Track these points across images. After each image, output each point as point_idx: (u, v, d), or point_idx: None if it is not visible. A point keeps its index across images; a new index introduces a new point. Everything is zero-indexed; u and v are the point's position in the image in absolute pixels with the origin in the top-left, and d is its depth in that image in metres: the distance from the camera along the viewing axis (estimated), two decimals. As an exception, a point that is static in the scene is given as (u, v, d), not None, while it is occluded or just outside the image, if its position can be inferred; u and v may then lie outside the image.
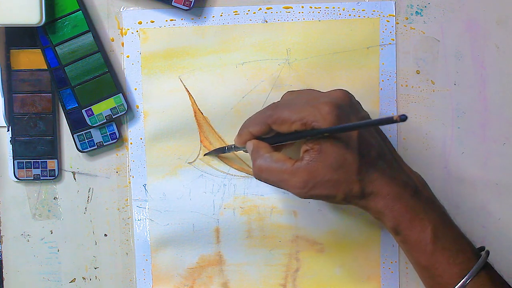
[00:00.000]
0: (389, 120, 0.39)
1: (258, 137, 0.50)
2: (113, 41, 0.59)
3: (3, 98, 0.58)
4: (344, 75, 0.59)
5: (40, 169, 0.59)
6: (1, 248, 0.61)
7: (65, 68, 0.58)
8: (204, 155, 0.59)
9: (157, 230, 0.60)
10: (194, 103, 0.59)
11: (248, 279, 0.60)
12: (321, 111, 0.45)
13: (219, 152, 0.58)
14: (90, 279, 0.61)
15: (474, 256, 0.49)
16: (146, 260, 0.60)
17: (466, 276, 0.47)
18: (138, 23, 0.59)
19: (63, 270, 0.61)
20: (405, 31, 0.59)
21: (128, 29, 0.59)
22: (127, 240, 0.60)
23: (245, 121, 0.51)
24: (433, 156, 0.59)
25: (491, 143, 0.59)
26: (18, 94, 0.59)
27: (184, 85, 0.59)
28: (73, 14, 0.57)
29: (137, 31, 0.59)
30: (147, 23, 0.59)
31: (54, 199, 0.60)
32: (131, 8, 0.59)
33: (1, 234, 0.61)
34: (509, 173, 0.59)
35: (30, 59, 0.58)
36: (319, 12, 0.58)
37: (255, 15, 0.59)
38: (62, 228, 0.60)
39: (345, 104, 0.47)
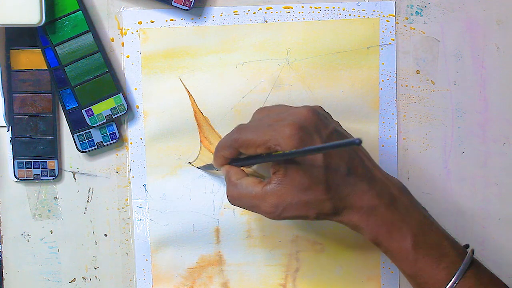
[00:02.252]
0: (344, 144, 0.40)
1: (233, 158, 0.51)
2: (113, 41, 0.59)
3: (3, 98, 0.58)
4: (344, 75, 0.59)
5: (40, 169, 0.59)
6: (1, 248, 0.61)
7: (65, 68, 0.58)
8: (198, 167, 0.59)
9: (157, 230, 0.60)
10: (194, 103, 0.59)
11: (248, 279, 0.60)
12: (283, 134, 0.45)
13: (209, 169, 0.58)
14: (90, 279, 0.61)
15: (458, 258, 0.48)
16: (146, 260, 0.60)
17: (452, 281, 0.47)
18: (138, 23, 0.59)
19: (63, 270, 0.61)
20: (405, 31, 0.59)
21: (128, 29, 0.59)
22: (127, 240, 0.60)
23: (217, 145, 0.51)
24: (433, 156, 0.59)
25: (491, 143, 0.59)
26: (18, 94, 0.59)
27: (184, 85, 0.59)
28: (73, 14, 0.57)
29: (137, 31, 0.59)
30: (147, 23, 0.59)
31: (54, 199, 0.60)
32: (131, 8, 0.59)
33: (1, 234, 0.61)
34: (509, 173, 0.59)
35: (30, 59, 0.58)
36: (319, 12, 0.58)
37: (255, 15, 0.59)
38: (62, 228, 0.60)
39: (309, 124, 0.47)
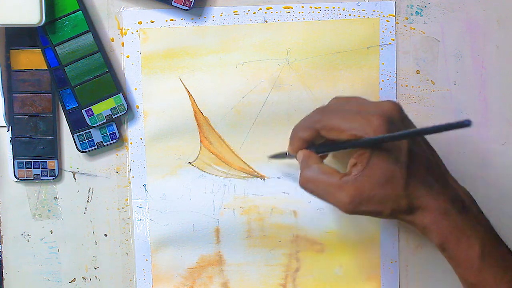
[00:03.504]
0: (455, 125, 0.38)
1: (308, 146, 0.50)
2: (113, 41, 0.59)
3: (3, 98, 0.58)
4: (344, 75, 0.59)
5: (40, 169, 0.59)
6: (1, 248, 0.61)
7: (65, 68, 0.58)
8: (268, 157, 0.58)
9: (157, 230, 0.60)
10: (194, 103, 0.59)
11: (248, 279, 0.60)
12: (372, 124, 0.44)
13: (281, 157, 0.56)
14: (90, 279, 0.61)
15: None
16: (146, 260, 0.60)
17: None
18: (138, 23, 0.59)
19: (63, 270, 0.61)
20: (405, 31, 0.59)
21: (128, 29, 0.59)
22: (127, 240, 0.60)
23: (294, 128, 0.50)
24: (433, 156, 0.59)
25: (491, 143, 0.59)
26: (18, 94, 0.59)
27: (184, 85, 0.59)
28: (73, 14, 0.57)
29: (137, 31, 0.59)
30: (147, 23, 0.59)
31: (54, 199, 0.60)
32: (131, 8, 0.59)
33: (1, 234, 0.61)
34: (509, 173, 0.59)
35: (30, 59, 0.58)
36: (319, 12, 0.58)
37: (255, 15, 0.59)
38: (62, 228, 0.60)
39: (396, 118, 0.46)
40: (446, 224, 0.47)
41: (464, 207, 0.48)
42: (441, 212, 0.47)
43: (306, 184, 0.48)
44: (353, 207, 0.46)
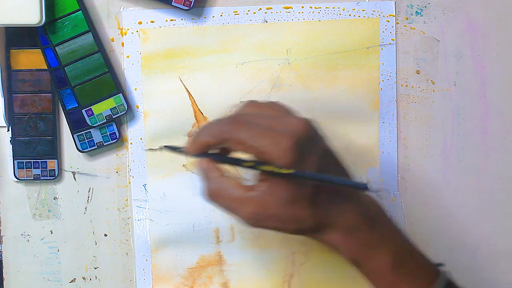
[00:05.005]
0: (350, 185, 0.39)
1: (213, 153, 0.47)
2: (113, 41, 0.59)
3: (3, 98, 0.58)
4: (344, 75, 0.59)
5: (40, 169, 0.59)
6: (1, 248, 0.61)
7: (65, 68, 0.58)
8: (162, 147, 0.54)
9: (157, 230, 0.60)
10: (194, 103, 0.59)
11: (248, 279, 0.60)
12: (280, 146, 0.42)
13: (176, 152, 0.54)
14: (90, 279, 0.61)
15: (434, 279, 0.47)
16: (146, 260, 0.60)
17: None
18: (138, 23, 0.59)
19: (63, 270, 0.61)
20: (405, 31, 0.59)
21: (128, 29, 0.59)
22: (127, 240, 0.60)
23: (202, 127, 0.46)
24: (433, 156, 0.59)
25: (491, 143, 0.59)
26: (18, 94, 0.59)
27: (184, 85, 0.59)
28: (73, 14, 0.57)
29: (137, 31, 0.59)
30: (147, 23, 0.59)
31: (54, 199, 0.60)
32: (131, 8, 0.59)
33: (1, 234, 0.61)
34: (509, 173, 0.59)
35: (30, 59, 0.58)
36: (319, 12, 0.58)
37: (255, 15, 0.59)
38: (62, 228, 0.60)
39: (306, 140, 0.44)
40: (355, 241, 0.46)
41: (373, 221, 0.47)
42: (349, 229, 0.46)
43: (211, 199, 0.46)
44: (256, 222, 0.45)
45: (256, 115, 0.46)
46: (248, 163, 0.44)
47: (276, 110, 0.47)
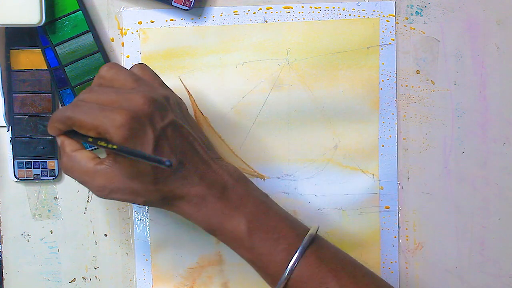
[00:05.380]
0: (155, 160, 0.41)
1: (67, 131, 0.49)
2: (113, 41, 0.59)
3: (3, 98, 0.58)
4: (344, 75, 0.59)
5: (40, 169, 0.59)
6: (1, 248, 0.61)
7: (65, 68, 0.58)
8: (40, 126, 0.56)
9: (157, 230, 0.60)
10: (194, 103, 0.59)
11: (248, 279, 0.60)
12: (113, 123, 0.44)
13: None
14: (90, 279, 0.61)
15: (297, 239, 0.48)
16: (146, 260, 0.60)
17: (291, 262, 0.47)
18: (138, 23, 0.59)
19: (63, 270, 0.61)
20: (405, 31, 0.59)
21: (128, 29, 0.59)
22: (127, 240, 0.60)
23: (54, 113, 0.49)
24: (433, 156, 0.59)
25: (491, 143, 0.59)
26: (18, 94, 0.59)
27: (184, 85, 0.59)
28: (73, 14, 0.57)
29: (137, 31, 0.59)
30: (147, 23, 0.59)
31: (54, 199, 0.60)
32: (131, 8, 0.59)
33: (1, 234, 0.61)
34: (509, 173, 0.59)
35: (30, 59, 0.58)
36: (319, 12, 0.58)
37: (255, 15, 0.59)
38: (62, 228, 0.60)
39: (143, 114, 0.45)
40: (206, 211, 0.48)
41: (225, 189, 0.49)
42: (199, 198, 0.48)
43: (66, 172, 0.49)
44: (106, 194, 0.47)
45: (102, 92, 0.47)
46: (89, 139, 0.46)
47: (127, 81, 0.48)
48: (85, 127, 0.46)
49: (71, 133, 0.48)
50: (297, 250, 0.48)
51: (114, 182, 0.47)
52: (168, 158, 0.44)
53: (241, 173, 0.51)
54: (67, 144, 0.49)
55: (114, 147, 0.44)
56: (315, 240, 0.49)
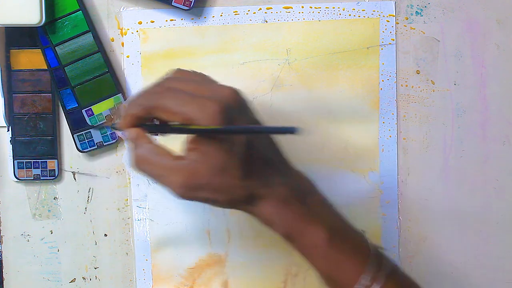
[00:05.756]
0: (283, 130, 0.38)
1: (139, 124, 0.46)
2: (113, 41, 0.59)
3: (3, 98, 0.58)
4: (344, 75, 0.59)
5: (40, 169, 0.59)
6: (1, 248, 0.61)
7: (65, 68, 0.58)
8: (92, 124, 0.54)
9: (157, 230, 0.60)
10: (194, 103, 0.59)
11: (248, 279, 0.60)
12: (207, 110, 0.42)
13: (107, 128, 0.53)
14: (90, 279, 0.61)
15: (371, 254, 0.47)
16: (146, 260, 0.60)
17: (365, 275, 0.46)
18: (138, 23, 0.59)
19: (63, 270, 0.61)
20: (405, 31, 0.59)
21: (128, 29, 0.59)
22: (127, 240, 0.60)
23: (127, 100, 0.46)
24: (433, 156, 0.59)
25: (491, 143, 0.59)
26: (18, 94, 0.59)
27: (184, 85, 0.59)
28: (73, 14, 0.57)
29: (137, 31, 0.59)
30: (147, 23, 0.59)
31: (54, 199, 0.60)
32: (131, 8, 0.59)
33: (1, 234, 0.61)
34: (509, 173, 0.59)
35: (30, 59, 0.58)
36: (319, 12, 0.59)
37: (255, 15, 0.59)
38: (62, 228, 0.60)
39: (234, 105, 0.44)
40: (289, 214, 0.45)
41: (306, 196, 0.47)
42: (282, 202, 0.45)
43: (139, 165, 0.45)
44: (187, 192, 0.44)
45: (184, 81, 0.45)
46: (176, 125, 0.43)
47: (203, 78, 0.47)
48: (170, 111, 0.43)
49: (145, 128, 0.45)
50: (370, 265, 0.46)
51: (198, 178, 0.43)
52: (256, 154, 0.43)
53: (313, 182, 0.49)
54: (142, 136, 0.45)
55: (215, 127, 0.41)
56: (386, 259, 0.48)
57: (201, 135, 0.43)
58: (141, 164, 0.44)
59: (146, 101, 0.44)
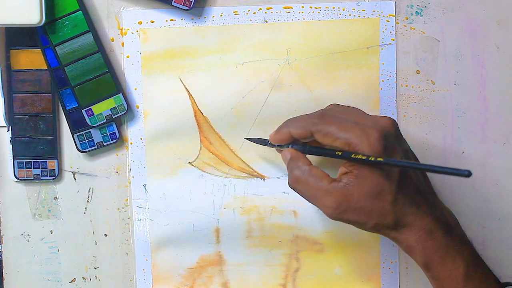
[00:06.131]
0: (454, 172, 0.39)
1: (295, 141, 0.50)
2: (113, 41, 0.59)
3: (3, 98, 0.58)
4: (344, 75, 0.59)
5: (40, 169, 0.59)
6: (1, 248, 0.61)
7: (65, 68, 0.58)
8: (246, 138, 0.58)
9: (157, 230, 0.60)
10: (194, 103, 0.59)
11: (248, 279, 0.60)
12: (369, 137, 0.45)
13: (259, 143, 0.56)
14: (90, 279, 0.61)
15: None
16: (146, 260, 0.60)
17: None
18: (138, 23, 0.59)
19: (63, 270, 0.61)
20: (405, 31, 0.59)
21: (128, 29, 0.59)
22: (127, 240, 0.60)
23: (287, 120, 0.50)
24: (433, 156, 0.59)
25: (491, 143, 0.59)
26: (18, 94, 0.59)
27: (184, 85, 0.59)
28: (73, 14, 0.57)
29: (137, 31, 0.59)
30: (147, 23, 0.59)
31: (54, 199, 0.60)
32: (131, 8, 0.59)
33: (1, 234, 0.61)
34: (509, 173, 0.59)
35: (30, 59, 0.58)
36: (319, 12, 0.58)
37: (255, 15, 0.59)
38: (62, 228, 0.60)
39: (392, 134, 0.47)
40: (431, 244, 0.47)
41: (449, 228, 0.48)
42: (427, 231, 0.47)
43: (296, 185, 0.48)
44: (338, 214, 0.46)
45: (343, 113, 0.48)
46: (338, 152, 0.46)
47: (360, 112, 0.49)
48: (333, 136, 0.46)
49: (300, 147, 0.49)
50: None
51: (351, 200, 0.46)
52: (408, 182, 0.45)
53: (456, 218, 0.51)
54: (301, 157, 0.49)
55: (380, 159, 0.43)
56: None
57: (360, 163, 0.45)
58: (298, 184, 0.48)
59: (308, 123, 0.47)
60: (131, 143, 0.60)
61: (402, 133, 0.49)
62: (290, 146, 0.50)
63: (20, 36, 0.58)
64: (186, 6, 0.57)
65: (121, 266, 0.61)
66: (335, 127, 0.46)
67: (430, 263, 0.48)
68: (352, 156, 0.45)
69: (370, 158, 0.44)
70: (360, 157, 0.44)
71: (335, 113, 0.48)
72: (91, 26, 0.58)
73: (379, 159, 0.44)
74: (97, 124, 0.58)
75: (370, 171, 0.45)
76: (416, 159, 0.51)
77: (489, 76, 0.59)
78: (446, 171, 0.41)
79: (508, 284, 0.51)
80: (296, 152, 0.49)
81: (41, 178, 0.59)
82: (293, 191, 0.49)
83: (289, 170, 0.49)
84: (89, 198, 0.60)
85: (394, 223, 0.47)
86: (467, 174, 0.38)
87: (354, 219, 0.46)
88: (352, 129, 0.45)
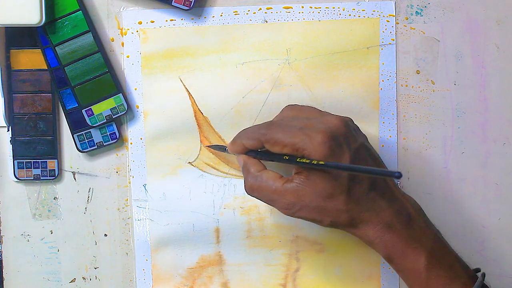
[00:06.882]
0: (385, 174, 0.41)
1: (248, 151, 0.51)
2: (113, 41, 0.59)
3: (3, 98, 0.58)
4: (344, 75, 0.59)
5: (40, 169, 0.59)
6: (1, 248, 0.61)
7: (65, 68, 0.58)
8: (206, 146, 0.59)
9: (157, 230, 0.60)
10: (194, 103, 0.59)
11: (248, 279, 0.60)
12: (313, 141, 0.46)
13: (219, 149, 0.58)
14: (90, 279, 0.61)
15: (469, 281, 0.48)
16: (146, 260, 0.60)
17: None
18: (138, 23, 0.59)
19: (63, 270, 0.61)
20: (405, 31, 0.59)
21: (128, 29, 0.59)
22: (127, 240, 0.60)
23: (240, 132, 0.52)
24: (433, 156, 0.59)
25: (491, 143, 0.59)
26: (18, 94, 0.59)
27: (184, 85, 0.59)
28: (73, 14, 0.57)
29: (137, 31, 0.59)
30: (147, 23, 0.59)
31: (54, 199, 0.60)
32: (131, 8, 0.59)
33: (1, 234, 0.61)
34: (509, 173, 0.59)
35: (30, 59, 0.58)
36: (319, 12, 0.58)
37: (255, 15, 0.59)
38: (62, 228, 0.60)
39: (340, 135, 0.47)
40: (390, 237, 0.48)
41: (409, 219, 0.49)
42: (385, 225, 0.48)
43: (252, 193, 0.50)
44: (293, 212, 0.48)
45: (292, 119, 0.50)
46: (285, 157, 0.48)
47: (313, 111, 0.51)
48: (281, 143, 0.47)
49: (253, 154, 0.51)
50: None
51: (305, 200, 0.47)
52: (361, 179, 0.46)
53: (419, 206, 0.51)
54: (252, 164, 0.51)
55: (321, 162, 0.45)
56: (484, 286, 0.49)
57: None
58: (253, 191, 0.50)
59: (258, 136, 0.49)
60: (131, 143, 0.60)
61: (359, 130, 0.50)
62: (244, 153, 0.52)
63: (20, 36, 0.58)
64: (186, 6, 0.57)
65: (121, 266, 0.61)
66: (282, 135, 0.47)
67: (392, 256, 0.49)
68: (297, 160, 0.46)
69: (313, 162, 0.45)
70: (304, 161, 0.46)
71: (284, 122, 0.50)
72: (91, 26, 0.58)
73: (320, 162, 0.45)
74: (97, 124, 0.58)
75: (319, 173, 0.47)
76: (371, 155, 0.50)
77: (489, 76, 0.59)
78: (378, 172, 0.42)
79: (477, 270, 0.50)
80: (248, 159, 0.51)
81: (41, 178, 0.59)
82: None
83: (244, 178, 0.51)
84: (89, 198, 0.60)
85: (349, 221, 0.48)
86: (398, 175, 0.38)
87: (310, 217, 0.48)
88: (297, 135, 0.47)
